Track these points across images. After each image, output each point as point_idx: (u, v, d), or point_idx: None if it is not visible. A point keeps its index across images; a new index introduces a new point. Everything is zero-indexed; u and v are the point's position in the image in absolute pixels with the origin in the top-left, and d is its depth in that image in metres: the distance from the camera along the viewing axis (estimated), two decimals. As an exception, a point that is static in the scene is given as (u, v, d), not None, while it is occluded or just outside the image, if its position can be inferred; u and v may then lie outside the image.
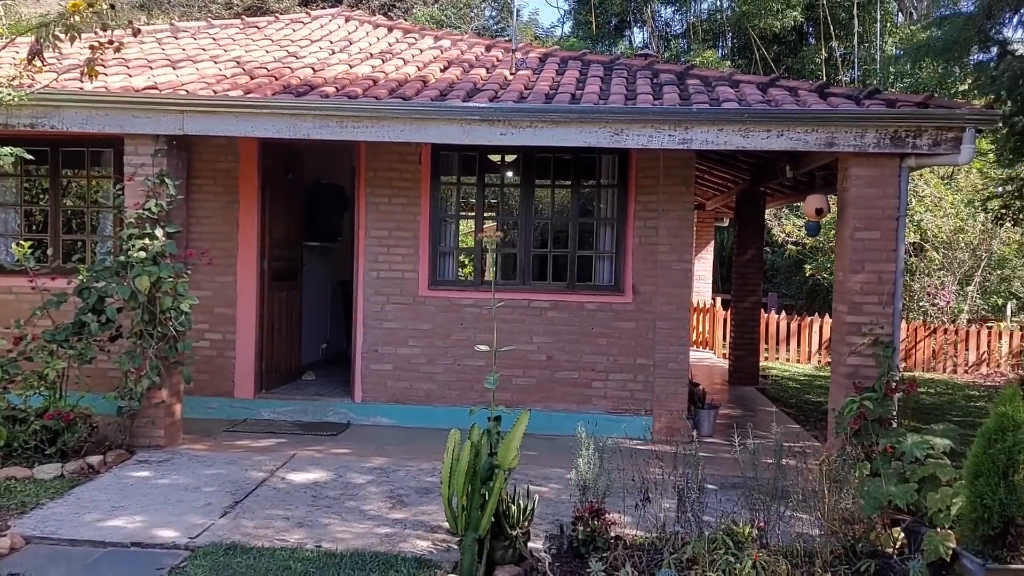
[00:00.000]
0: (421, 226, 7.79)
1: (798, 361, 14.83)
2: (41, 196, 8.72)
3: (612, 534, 4.50)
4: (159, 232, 6.44)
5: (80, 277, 6.45)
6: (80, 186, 8.51)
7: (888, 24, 21.33)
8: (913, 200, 14.96)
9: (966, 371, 14.11)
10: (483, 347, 4.87)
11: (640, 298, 7.62)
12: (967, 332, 14.33)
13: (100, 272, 6.39)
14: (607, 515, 4.45)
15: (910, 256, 15.22)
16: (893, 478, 4.74)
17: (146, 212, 6.42)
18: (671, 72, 7.56)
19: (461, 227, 7.98)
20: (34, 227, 8.57)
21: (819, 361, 14.77)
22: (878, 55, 20.56)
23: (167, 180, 6.49)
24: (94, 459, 6.05)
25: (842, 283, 6.32)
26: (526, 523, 4.52)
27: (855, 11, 20.36)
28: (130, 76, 7.02)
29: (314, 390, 8.34)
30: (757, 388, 10.97)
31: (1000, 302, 15.65)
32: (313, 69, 7.46)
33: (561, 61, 8.21)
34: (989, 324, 14.67)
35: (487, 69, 7.73)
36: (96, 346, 6.46)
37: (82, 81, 6.77)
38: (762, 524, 4.35)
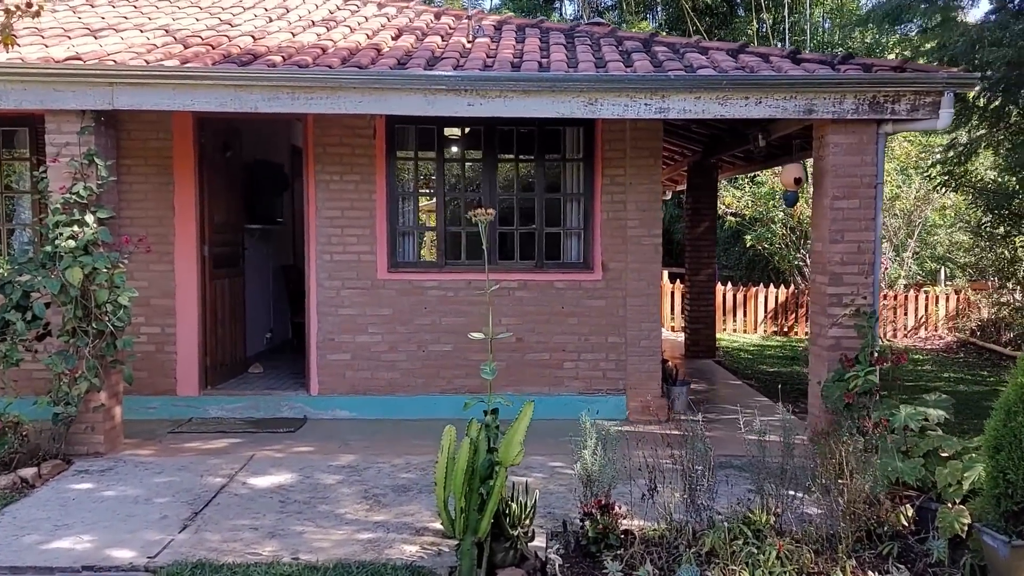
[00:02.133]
0: (377, 205, 7.31)
1: (744, 331, 14.89)
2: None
3: (621, 529, 4.21)
4: (89, 218, 5.81)
5: (0, 271, 5.78)
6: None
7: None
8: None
9: (905, 335, 14.40)
10: (477, 335, 4.48)
11: (610, 275, 7.33)
12: (905, 297, 14.61)
13: (24, 265, 5.74)
14: (616, 509, 4.15)
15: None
16: (895, 453, 4.58)
17: (74, 196, 5.78)
18: (636, 40, 7.24)
19: (421, 205, 7.52)
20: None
21: (764, 331, 14.87)
22: (807, 25, 20.76)
23: (97, 160, 5.85)
24: (27, 472, 5.44)
25: (820, 254, 6.15)
26: (527, 521, 4.18)
27: (785, -19, 20.45)
28: (47, 47, 6.30)
29: (264, 384, 7.81)
30: (715, 361, 10.89)
31: (933, 267, 16.01)
32: (253, 38, 6.87)
33: (518, 28, 7.80)
34: (925, 289, 15.00)
35: (442, 37, 7.27)
36: (22, 346, 5.82)
37: (-8, 52, 6.07)
38: (778, 510, 4.12)
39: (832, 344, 5.98)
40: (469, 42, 7.10)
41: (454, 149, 7.49)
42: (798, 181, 6.18)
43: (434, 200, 7.51)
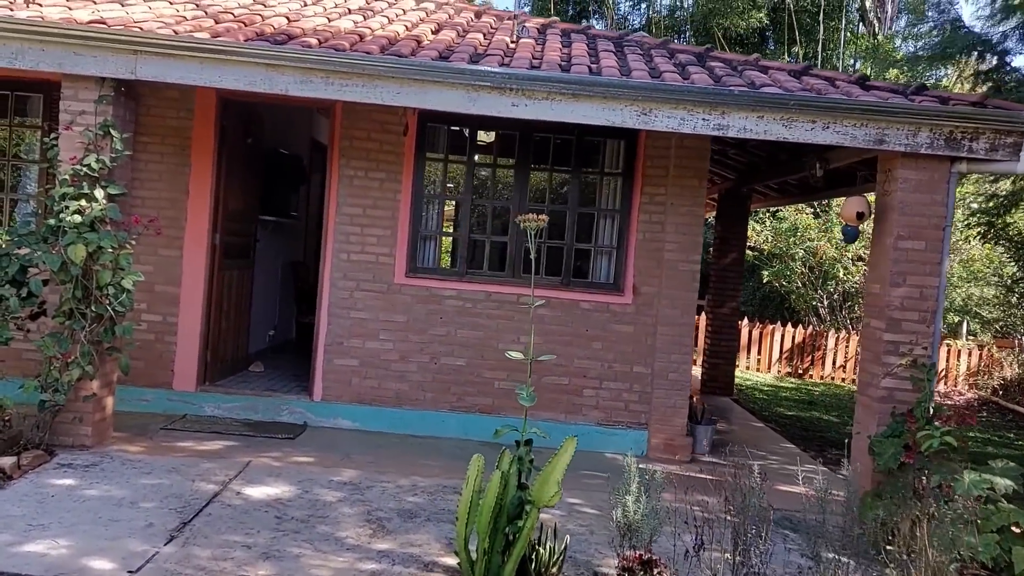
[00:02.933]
0: (401, 205, 6.91)
1: (758, 370, 14.45)
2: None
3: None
4: (99, 193, 5.40)
5: (-2, 243, 5.37)
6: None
7: (850, 33, 21.29)
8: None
9: (923, 387, 13.92)
10: (516, 354, 4.05)
11: (641, 299, 6.91)
12: (925, 348, 14.15)
13: (24, 237, 5.33)
14: (660, 566, 3.70)
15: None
16: (966, 526, 4.14)
17: (84, 168, 5.37)
18: (689, 53, 6.85)
19: (447, 210, 7.11)
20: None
21: (779, 371, 14.43)
22: (839, 62, 20.46)
23: (113, 132, 5.45)
24: (5, 461, 4.99)
25: (879, 296, 5.74)
26: (555, 569, 3.74)
27: (820, 16, 20.18)
28: (70, 9, 5.91)
29: (264, 384, 7.36)
30: (732, 399, 10.45)
31: (955, 320, 15.60)
32: (288, 19, 6.49)
33: (563, 33, 7.42)
34: (948, 342, 14.57)
35: (484, 35, 6.89)
36: (13, 324, 5.40)
37: (12, 9, 5.70)
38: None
39: (884, 396, 5.55)
40: (513, 42, 6.72)
41: (485, 154, 7.08)
42: (860, 216, 5.76)
43: (457, 205, 7.09)
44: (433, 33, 6.71)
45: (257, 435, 6.43)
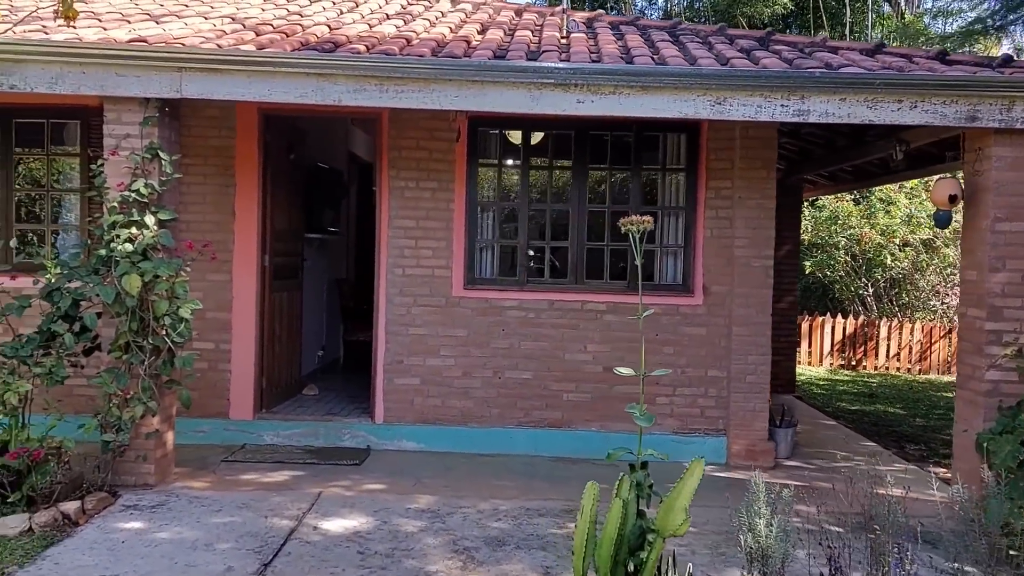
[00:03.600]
0: (455, 215, 6.62)
1: (809, 363, 14.03)
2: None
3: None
4: (149, 219, 5.16)
5: (47, 276, 5.13)
6: (36, 167, 7.11)
7: (875, 15, 20.83)
8: (924, 194, 14.30)
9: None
10: (626, 371, 3.74)
11: (712, 300, 6.58)
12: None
13: (75, 270, 5.08)
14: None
15: (919, 253, 14.57)
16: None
17: (133, 194, 5.13)
18: (750, 38, 6.52)
19: (503, 216, 6.82)
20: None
21: (831, 364, 14.01)
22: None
23: (161, 155, 5.21)
24: (70, 506, 4.75)
25: (976, 284, 5.37)
26: (681, 604, 3.43)
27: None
28: (105, 30, 5.69)
29: (322, 408, 7.09)
30: (795, 396, 10.06)
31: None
32: (329, 27, 6.23)
33: (612, 25, 7.12)
34: None
35: (532, 32, 6.60)
36: (67, 362, 5.16)
37: (47, 32, 5.48)
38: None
39: (989, 389, 5.19)
40: (563, 37, 6.42)
41: (540, 156, 6.77)
42: (953, 199, 5.40)
43: (513, 212, 6.79)
44: (479, 33, 6.43)
45: (321, 462, 6.15)
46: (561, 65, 5.11)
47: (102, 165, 5.25)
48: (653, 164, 6.74)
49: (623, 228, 3.50)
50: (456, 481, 5.83)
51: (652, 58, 5.55)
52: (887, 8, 21.94)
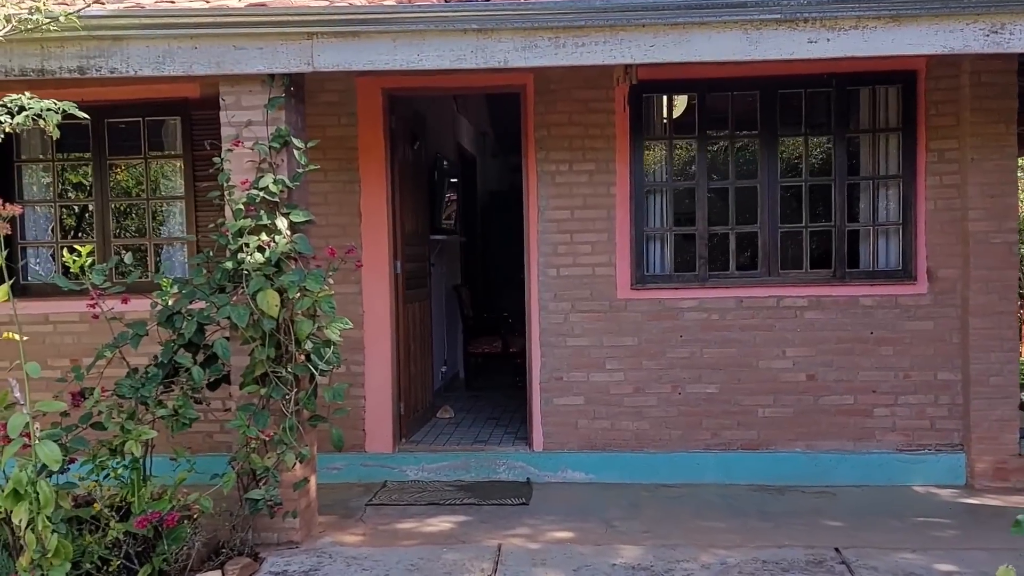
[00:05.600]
0: (618, 202, 5.58)
1: None
2: (81, 188, 6.55)
3: None
4: (281, 222, 4.23)
5: (162, 298, 4.24)
6: (134, 173, 6.32)
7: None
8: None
9: None
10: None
11: (939, 287, 5.40)
12: None
13: (200, 287, 4.18)
14: None
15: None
16: None
17: (261, 193, 4.21)
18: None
19: (676, 200, 5.74)
20: (70, 230, 6.41)
21: None
22: None
23: (294, 142, 4.28)
24: (210, 578, 3.85)
25: None
26: None
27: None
28: None
29: (468, 435, 6.12)
30: None
31: None
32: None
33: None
34: None
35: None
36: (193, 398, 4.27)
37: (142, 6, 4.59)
38: None
39: None
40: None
41: (717, 126, 5.68)
42: None
43: (688, 193, 5.70)
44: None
45: (482, 503, 5.16)
46: (788, -3, 4.02)
47: (221, 161, 4.34)
48: (858, 126, 5.58)
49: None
50: (654, 524, 4.77)
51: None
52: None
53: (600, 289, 5.62)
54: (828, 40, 4.08)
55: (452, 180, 7.88)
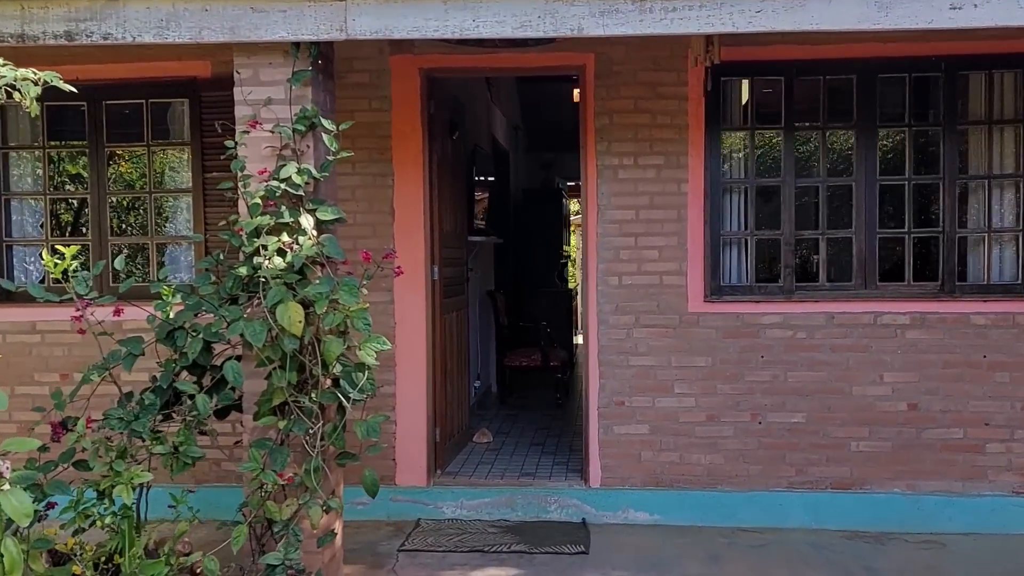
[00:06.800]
0: (690, 201, 4.84)
1: None
2: (80, 180, 5.86)
3: None
4: (306, 221, 3.51)
5: (163, 310, 3.52)
6: (138, 164, 5.63)
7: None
8: None
9: None
10: None
11: (1067, 303, 4.65)
12: None
13: (208, 297, 3.46)
14: None
15: None
16: None
17: (283, 185, 3.49)
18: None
19: (757, 199, 4.99)
20: (66, 226, 5.72)
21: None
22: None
23: (323, 124, 3.55)
24: (213, 653, 3.13)
25: None
26: None
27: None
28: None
29: (512, 465, 5.40)
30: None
31: None
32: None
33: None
34: None
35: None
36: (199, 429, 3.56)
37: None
38: None
39: None
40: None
41: (808, 117, 4.93)
42: None
43: (773, 192, 4.95)
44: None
45: (534, 550, 4.43)
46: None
47: (235, 145, 3.62)
48: (971, 117, 4.82)
49: None
50: (740, 579, 4.04)
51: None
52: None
53: (668, 301, 4.87)
54: (976, 6, 3.32)
55: (489, 176, 7.15)
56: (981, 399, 4.71)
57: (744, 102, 4.96)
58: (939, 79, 4.74)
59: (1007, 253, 4.79)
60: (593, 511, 4.88)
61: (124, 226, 6.33)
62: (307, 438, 3.43)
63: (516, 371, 7.38)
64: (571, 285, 11.27)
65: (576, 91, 8.55)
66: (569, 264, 12.16)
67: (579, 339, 10.70)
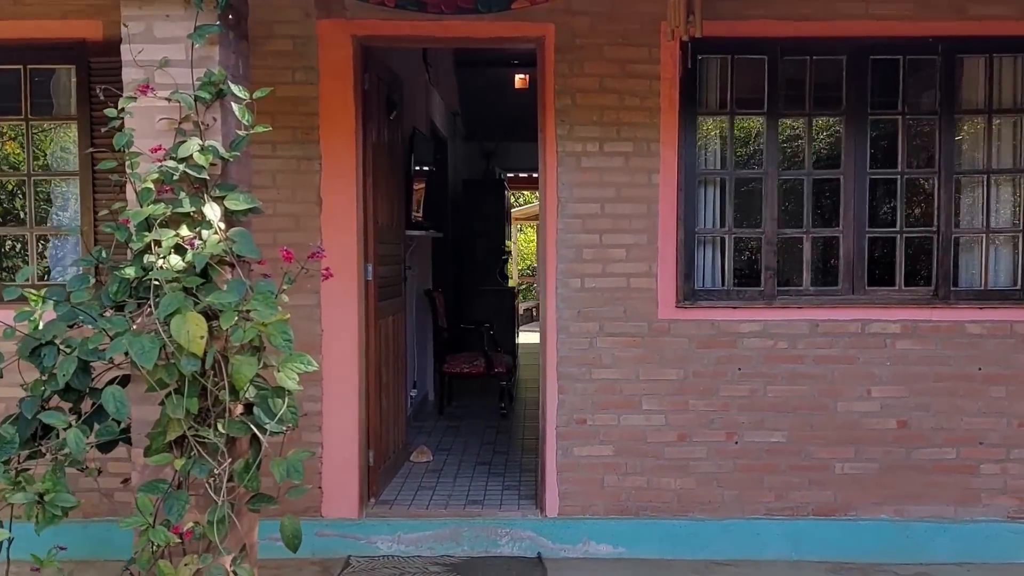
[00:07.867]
0: (662, 194, 4.29)
1: None
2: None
3: None
4: (211, 211, 2.82)
5: (30, 319, 2.78)
6: (21, 143, 4.79)
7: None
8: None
9: None
10: None
11: (1066, 311, 4.27)
12: None
13: (83, 306, 2.74)
14: None
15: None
16: None
17: (181, 166, 2.78)
18: None
19: (736, 193, 4.47)
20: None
21: None
22: None
23: (232, 91, 2.85)
24: None
25: None
26: None
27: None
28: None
29: (457, 492, 4.77)
30: None
31: None
32: None
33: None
34: None
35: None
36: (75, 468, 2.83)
37: None
38: None
39: None
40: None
41: (794, 100, 4.42)
42: None
43: (752, 185, 4.44)
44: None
45: (484, 595, 3.83)
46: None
47: (121, 112, 2.89)
48: (969, 105, 4.39)
49: None
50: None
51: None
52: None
53: (636, 306, 4.32)
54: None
55: (429, 164, 6.49)
56: (975, 416, 4.30)
57: (723, 84, 4.42)
58: (936, 63, 4.30)
59: (1003, 255, 4.38)
60: (550, 544, 4.30)
61: (8, 217, 5.47)
62: (211, 480, 2.74)
63: (457, 378, 6.75)
64: (511, 283, 10.69)
65: (519, 77, 8.15)
66: (510, 261, 11.59)
67: (520, 338, 10.13)
